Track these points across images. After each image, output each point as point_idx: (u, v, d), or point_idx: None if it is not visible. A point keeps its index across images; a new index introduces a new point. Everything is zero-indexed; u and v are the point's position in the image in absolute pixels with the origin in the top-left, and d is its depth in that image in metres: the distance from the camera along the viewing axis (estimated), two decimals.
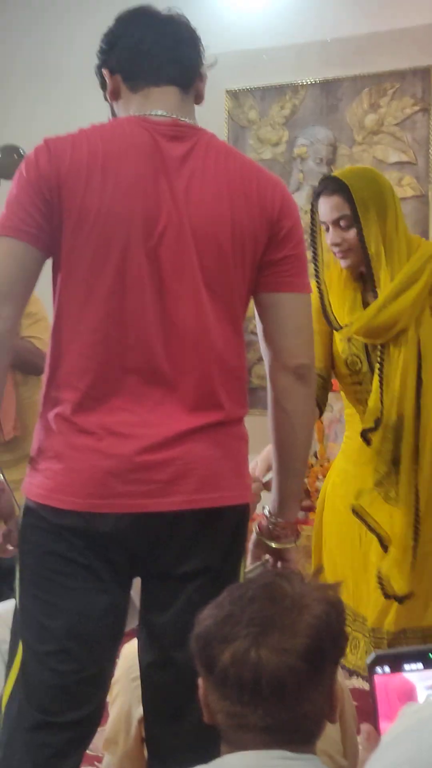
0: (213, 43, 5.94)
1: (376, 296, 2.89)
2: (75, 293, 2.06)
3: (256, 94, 5.71)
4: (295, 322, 2.16)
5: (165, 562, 2.07)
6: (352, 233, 2.90)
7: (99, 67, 2.25)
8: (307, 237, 2.49)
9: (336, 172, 3.04)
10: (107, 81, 2.22)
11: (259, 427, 2.33)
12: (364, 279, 2.98)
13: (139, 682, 2.19)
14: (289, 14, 5.61)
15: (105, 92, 2.27)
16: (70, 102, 5.95)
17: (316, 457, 5.50)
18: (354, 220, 2.86)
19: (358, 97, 5.48)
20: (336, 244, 2.93)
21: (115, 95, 2.22)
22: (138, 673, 2.20)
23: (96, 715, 2.07)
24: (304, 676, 1.36)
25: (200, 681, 1.50)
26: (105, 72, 2.23)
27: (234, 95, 5.75)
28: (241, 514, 2.14)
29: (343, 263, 2.96)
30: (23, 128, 5.76)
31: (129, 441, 2.01)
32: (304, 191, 5.64)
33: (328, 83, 5.54)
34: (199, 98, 2.23)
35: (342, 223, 2.91)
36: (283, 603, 1.41)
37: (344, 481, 3.05)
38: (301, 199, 5.64)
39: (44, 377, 2.13)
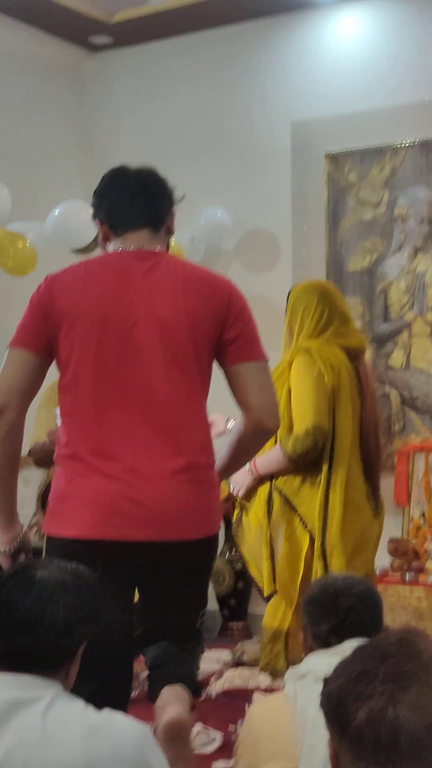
0: (312, 108, 6.04)
1: None
2: (71, 373, 2.71)
3: (356, 156, 5.74)
4: (256, 383, 2.76)
5: (158, 579, 2.74)
6: None
7: (93, 217, 2.95)
8: None
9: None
10: (99, 229, 2.90)
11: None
12: None
13: (263, 743, 2.21)
14: (387, 77, 5.64)
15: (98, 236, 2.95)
16: None
17: (424, 517, 5.41)
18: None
19: None
20: None
21: (105, 239, 2.90)
22: (261, 734, 2.22)
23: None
24: None
25: (329, 741, 1.46)
26: (97, 222, 2.91)
27: (334, 158, 5.78)
28: (214, 542, 2.80)
29: None
30: None
31: (116, 483, 2.64)
32: (405, 251, 5.62)
33: (428, 143, 5.54)
34: (169, 231, 2.93)
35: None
36: (420, 659, 1.37)
37: None
38: (402, 259, 5.62)
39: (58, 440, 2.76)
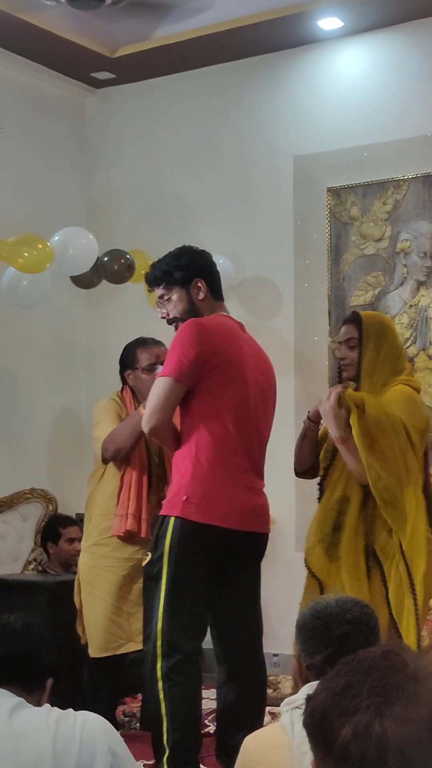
0: (314, 143, 6.04)
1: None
2: (220, 406, 3.64)
3: (358, 190, 5.73)
4: None
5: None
6: (354, 352, 3.90)
7: (192, 277, 3.81)
8: None
9: (358, 310, 4.26)
10: (202, 286, 3.82)
11: None
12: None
13: None
14: (389, 111, 5.64)
15: (183, 286, 3.83)
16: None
17: None
18: (358, 344, 3.89)
19: None
20: (341, 359, 3.99)
21: (206, 298, 3.83)
22: (255, 764, 2.19)
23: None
24: (431, 749, 1.25)
25: (313, 763, 1.39)
26: (201, 282, 3.82)
27: (336, 193, 5.77)
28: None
29: (343, 374, 3.99)
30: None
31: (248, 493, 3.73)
32: (408, 285, 5.59)
33: (430, 177, 5.53)
34: None
35: (350, 343, 3.92)
36: (405, 671, 1.30)
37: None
38: (405, 293, 5.59)
39: (194, 454, 3.65)
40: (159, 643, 3.52)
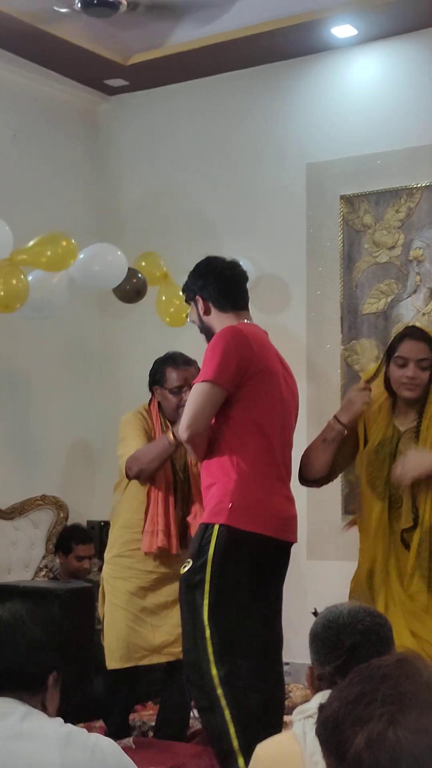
0: (327, 151, 6.03)
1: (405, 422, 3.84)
2: (258, 414, 3.64)
3: (371, 198, 5.71)
4: None
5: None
6: (426, 374, 3.74)
7: (193, 294, 3.85)
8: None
9: (419, 326, 4.13)
10: (201, 303, 3.83)
11: None
12: (395, 409, 3.88)
13: None
14: (402, 119, 5.63)
15: (196, 305, 3.87)
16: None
17: None
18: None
19: None
20: (411, 378, 3.74)
21: (206, 313, 3.83)
22: None
23: None
24: None
25: None
26: (198, 298, 3.83)
27: (349, 200, 5.76)
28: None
29: (407, 393, 3.78)
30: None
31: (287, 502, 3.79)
32: (421, 293, 5.57)
33: None
34: None
35: (423, 363, 3.74)
36: (419, 680, 1.29)
37: None
38: (418, 301, 5.58)
39: (235, 462, 3.63)
40: (211, 650, 3.49)
